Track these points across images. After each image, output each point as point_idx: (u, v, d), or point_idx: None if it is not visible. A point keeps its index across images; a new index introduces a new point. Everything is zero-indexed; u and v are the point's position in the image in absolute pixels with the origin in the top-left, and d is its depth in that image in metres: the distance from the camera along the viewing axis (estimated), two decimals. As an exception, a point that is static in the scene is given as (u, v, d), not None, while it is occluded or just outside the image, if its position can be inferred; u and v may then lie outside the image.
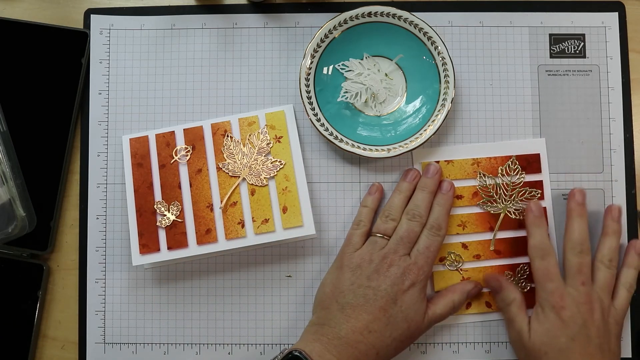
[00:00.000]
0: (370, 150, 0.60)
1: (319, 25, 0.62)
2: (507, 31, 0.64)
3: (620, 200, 0.62)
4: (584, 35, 0.64)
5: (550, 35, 0.64)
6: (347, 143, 0.60)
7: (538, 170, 0.62)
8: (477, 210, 0.62)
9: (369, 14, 0.61)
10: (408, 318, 0.55)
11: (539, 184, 0.62)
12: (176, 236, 0.60)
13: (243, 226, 0.59)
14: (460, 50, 0.64)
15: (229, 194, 0.60)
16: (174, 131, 0.62)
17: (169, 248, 0.59)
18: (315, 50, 0.61)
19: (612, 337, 0.56)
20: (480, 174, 0.62)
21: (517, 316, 0.58)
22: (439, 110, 0.61)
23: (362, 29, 0.62)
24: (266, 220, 0.59)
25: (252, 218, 0.59)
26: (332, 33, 0.61)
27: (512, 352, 0.61)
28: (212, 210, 0.60)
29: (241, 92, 0.64)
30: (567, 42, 0.64)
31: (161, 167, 0.61)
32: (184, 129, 0.62)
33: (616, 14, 0.64)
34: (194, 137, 0.61)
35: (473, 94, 0.63)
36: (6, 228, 0.60)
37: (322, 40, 0.61)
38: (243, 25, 0.64)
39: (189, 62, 0.64)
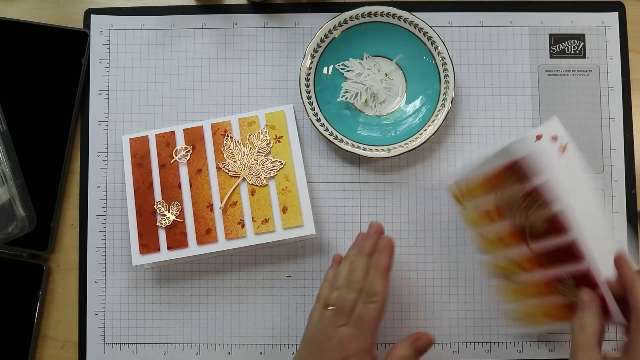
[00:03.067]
0: (370, 150, 0.60)
1: (319, 25, 0.62)
2: (507, 31, 0.64)
3: (620, 200, 0.62)
4: (584, 35, 0.64)
5: (550, 35, 0.64)
6: (347, 143, 0.60)
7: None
8: (506, 225, 0.57)
9: (369, 14, 0.61)
10: None
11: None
12: (176, 236, 0.60)
13: (243, 226, 0.59)
14: (460, 50, 0.64)
15: (229, 194, 0.60)
16: (174, 131, 0.62)
17: (169, 248, 0.59)
18: (315, 50, 0.61)
19: None
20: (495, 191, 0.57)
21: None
22: (439, 110, 0.61)
23: (362, 29, 0.62)
24: (266, 220, 0.59)
25: (252, 218, 0.59)
26: (332, 33, 0.61)
27: (512, 352, 0.61)
28: (212, 210, 0.60)
29: (241, 92, 0.64)
30: (567, 42, 0.64)
31: (161, 167, 0.61)
32: (184, 129, 0.62)
33: (616, 14, 0.64)
34: (194, 137, 0.61)
35: (473, 94, 0.63)
36: (6, 228, 0.60)
37: (322, 40, 0.61)
38: (243, 25, 0.64)
39: (189, 62, 0.64)
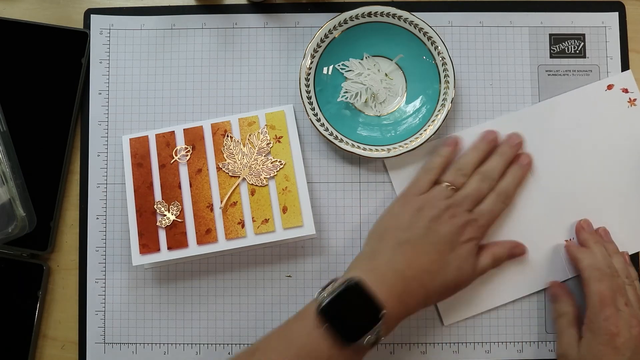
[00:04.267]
0: (370, 150, 0.60)
1: (319, 25, 0.62)
2: (507, 31, 0.64)
3: (620, 200, 0.62)
4: (584, 35, 0.64)
5: (550, 35, 0.64)
6: (347, 143, 0.60)
7: None
8: None
9: (369, 14, 0.61)
10: (460, 268, 0.55)
11: None
12: (176, 236, 0.60)
13: (243, 226, 0.59)
14: (460, 50, 0.64)
15: (229, 194, 0.60)
16: (174, 131, 0.62)
17: (169, 248, 0.59)
18: (315, 50, 0.61)
19: None
20: None
21: (566, 331, 0.57)
22: (439, 110, 0.61)
23: (362, 29, 0.62)
24: (266, 220, 0.59)
25: (252, 218, 0.59)
26: (332, 33, 0.61)
27: (512, 352, 0.61)
28: (212, 210, 0.60)
29: (241, 92, 0.64)
30: (567, 42, 0.64)
31: (161, 167, 0.61)
32: (184, 129, 0.62)
33: (616, 14, 0.64)
34: (194, 137, 0.61)
35: (473, 94, 0.63)
36: (6, 228, 0.60)
37: (322, 40, 0.61)
38: (243, 25, 0.64)
39: (189, 62, 0.64)
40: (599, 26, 0.64)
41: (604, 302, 0.55)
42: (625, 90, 0.61)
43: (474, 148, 0.60)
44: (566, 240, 0.61)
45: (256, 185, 0.60)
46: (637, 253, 0.62)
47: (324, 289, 0.52)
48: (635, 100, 0.61)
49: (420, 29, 0.61)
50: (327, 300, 0.50)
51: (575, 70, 0.63)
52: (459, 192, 0.58)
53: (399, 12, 0.60)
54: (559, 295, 0.60)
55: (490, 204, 0.58)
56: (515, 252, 0.60)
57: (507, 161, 0.60)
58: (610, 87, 0.61)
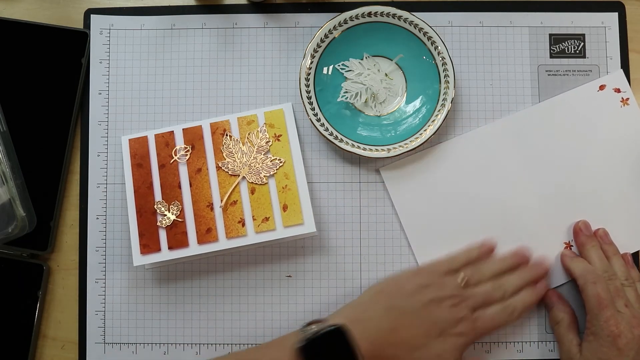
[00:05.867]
0: (370, 150, 0.60)
1: (319, 25, 0.62)
2: (507, 31, 0.64)
3: (621, 200, 0.62)
4: (584, 35, 0.64)
5: (550, 35, 0.64)
6: (347, 143, 0.60)
7: None
8: None
9: (369, 14, 0.61)
10: (440, 357, 0.55)
11: None
12: (177, 236, 0.59)
13: (243, 225, 0.59)
14: (460, 50, 0.64)
15: (229, 192, 0.60)
16: (173, 131, 0.62)
17: (169, 248, 0.59)
18: (315, 50, 0.61)
19: None
20: None
21: (565, 337, 0.58)
22: (439, 110, 0.61)
23: (362, 29, 0.62)
24: (266, 219, 0.59)
25: (253, 216, 0.59)
26: (332, 33, 0.61)
27: (512, 352, 0.61)
28: (212, 209, 0.60)
29: (241, 92, 0.64)
30: (567, 42, 0.64)
31: (161, 167, 0.61)
32: (183, 129, 0.62)
33: (616, 14, 0.64)
34: (193, 137, 0.61)
35: (473, 94, 0.63)
36: (6, 228, 0.60)
37: (322, 40, 0.61)
38: (243, 25, 0.64)
39: (189, 62, 0.64)
40: (599, 26, 0.64)
41: (602, 304, 0.55)
42: (618, 90, 0.62)
43: (503, 259, 0.60)
44: (565, 243, 0.61)
45: (256, 183, 0.60)
46: (638, 252, 0.62)
47: (308, 325, 0.53)
48: (628, 99, 0.62)
49: (420, 29, 0.61)
50: (309, 338, 0.51)
51: (575, 70, 0.63)
52: (469, 289, 0.57)
53: (399, 12, 0.60)
54: (553, 302, 0.60)
55: (493, 313, 0.57)
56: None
57: (526, 283, 0.59)
58: (602, 87, 0.62)
